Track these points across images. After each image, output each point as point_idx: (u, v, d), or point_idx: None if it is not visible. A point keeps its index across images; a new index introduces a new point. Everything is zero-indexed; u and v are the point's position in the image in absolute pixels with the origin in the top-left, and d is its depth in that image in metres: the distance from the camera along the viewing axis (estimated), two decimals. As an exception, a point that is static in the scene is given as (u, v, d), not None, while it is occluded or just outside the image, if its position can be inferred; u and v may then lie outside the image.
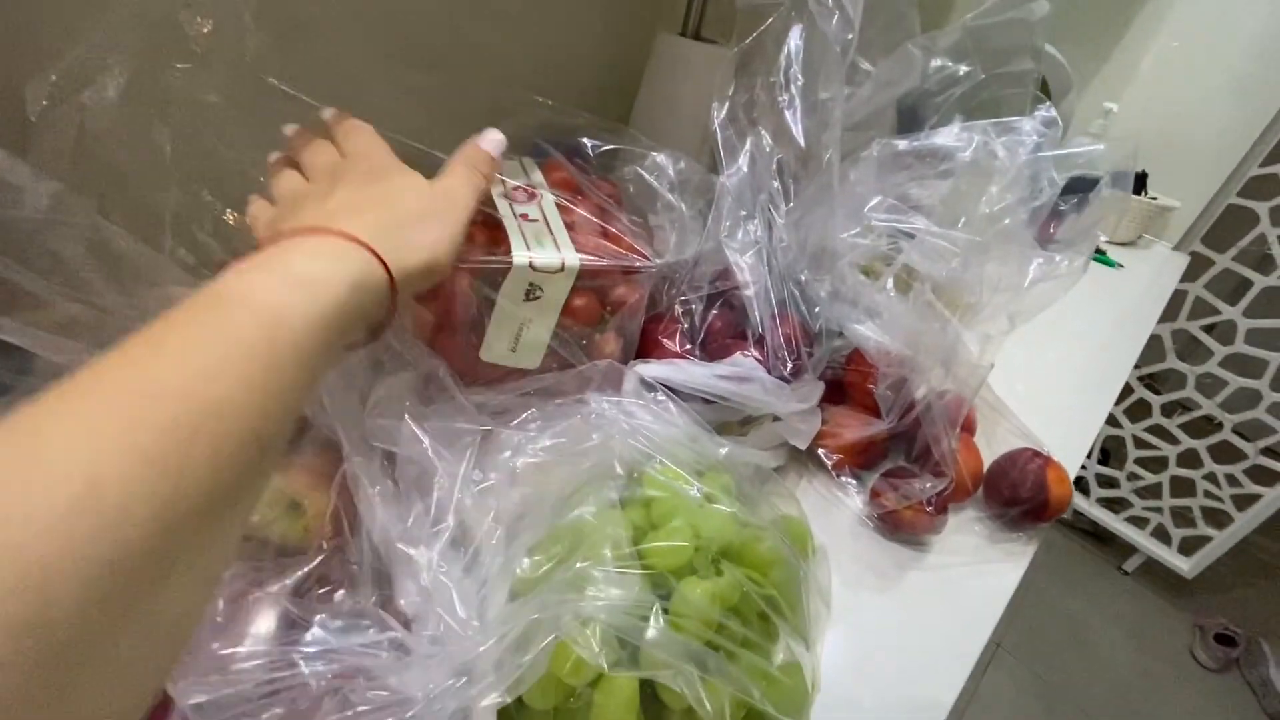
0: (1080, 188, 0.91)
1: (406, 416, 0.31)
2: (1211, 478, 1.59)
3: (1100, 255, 1.27)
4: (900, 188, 0.46)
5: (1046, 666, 1.54)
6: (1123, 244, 1.36)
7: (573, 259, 0.38)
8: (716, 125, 0.48)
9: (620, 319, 0.44)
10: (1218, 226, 1.44)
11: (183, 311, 0.21)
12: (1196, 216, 1.43)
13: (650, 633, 0.25)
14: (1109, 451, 1.78)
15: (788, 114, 0.44)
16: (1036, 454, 0.54)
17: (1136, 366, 1.65)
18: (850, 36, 0.41)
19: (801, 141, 0.44)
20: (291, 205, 0.31)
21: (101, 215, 0.31)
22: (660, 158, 0.46)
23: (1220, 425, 1.55)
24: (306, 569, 0.30)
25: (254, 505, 0.22)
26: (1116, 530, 1.77)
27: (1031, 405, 0.65)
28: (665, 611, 0.28)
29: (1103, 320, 1.05)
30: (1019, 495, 0.52)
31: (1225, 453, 1.55)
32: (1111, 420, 1.73)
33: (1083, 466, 1.79)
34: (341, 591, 0.30)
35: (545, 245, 0.38)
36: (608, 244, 0.42)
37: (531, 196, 0.41)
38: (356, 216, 0.27)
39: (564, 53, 0.74)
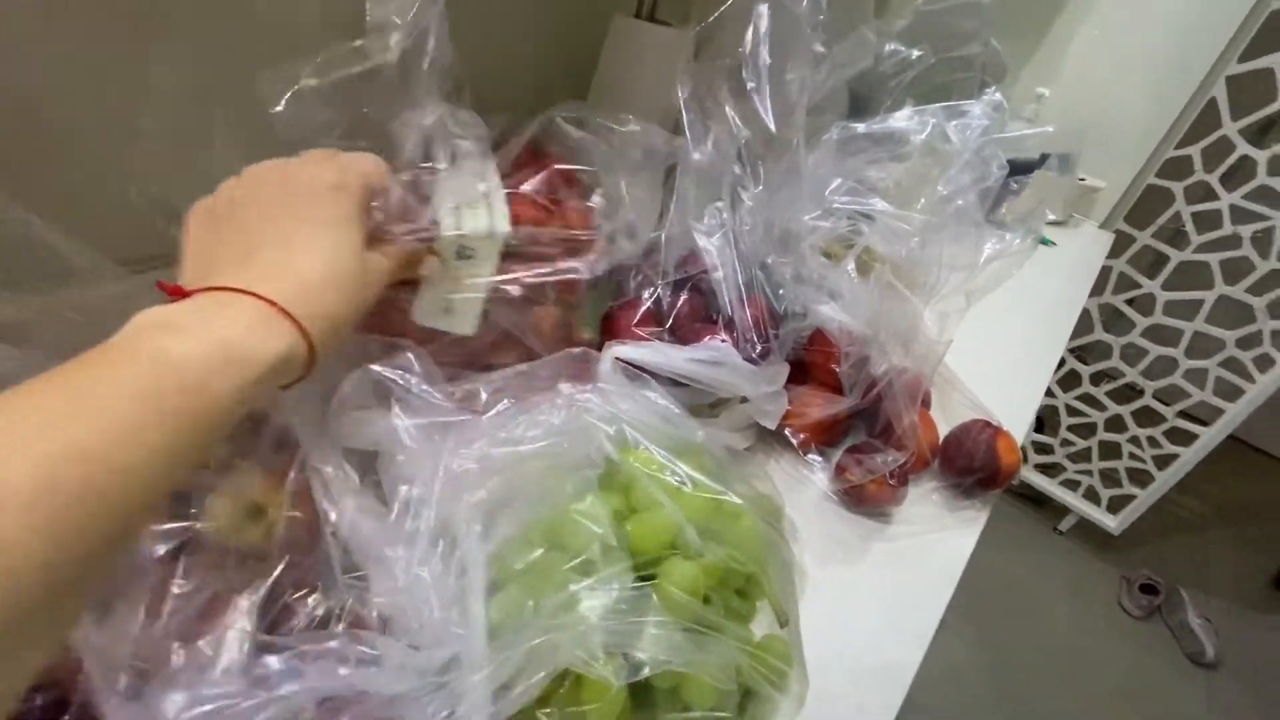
0: (1017, 169, 0.96)
1: (382, 409, 0.30)
2: (1135, 441, 1.71)
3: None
4: (858, 171, 0.47)
5: (987, 623, 1.64)
6: (1056, 223, 1.43)
7: (503, 226, 0.37)
8: (681, 106, 0.48)
9: (561, 292, 0.43)
10: (1138, 206, 1.54)
11: (103, 364, 0.21)
12: (1120, 196, 1.52)
13: (649, 634, 0.25)
14: (1043, 420, 1.89)
15: (755, 96, 0.44)
16: (987, 424, 0.57)
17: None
18: (820, 18, 0.42)
19: (770, 123, 0.44)
20: (214, 239, 0.29)
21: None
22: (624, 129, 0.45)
23: (1142, 392, 1.67)
24: (274, 577, 0.29)
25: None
26: (1051, 493, 1.89)
27: (978, 379, 0.69)
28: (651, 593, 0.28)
29: (1040, 296, 1.10)
30: (972, 465, 0.55)
31: (1147, 417, 1.67)
32: (1046, 391, 1.83)
33: (1020, 435, 1.90)
34: (316, 595, 0.29)
35: (477, 210, 0.37)
36: (549, 214, 0.41)
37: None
38: (285, 281, 0.26)
39: (515, 36, 0.73)
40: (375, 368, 0.32)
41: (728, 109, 0.45)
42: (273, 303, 0.25)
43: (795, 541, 0.47)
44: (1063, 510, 1.90)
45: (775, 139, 0.45)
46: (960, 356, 0.69)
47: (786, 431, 0.54)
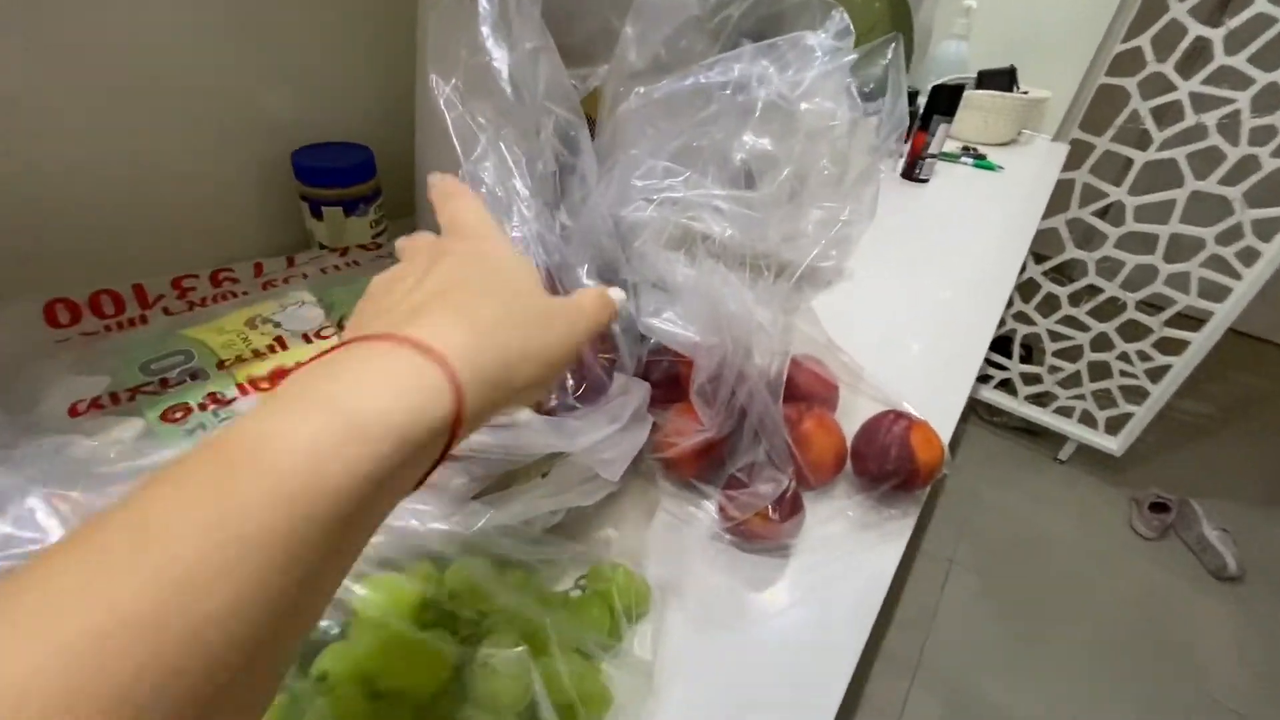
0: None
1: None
2: (1124, 357, 1.61)
3: (981, 160, 1.23)
4: (667, 145, 0.38)
5: (994, 565, 1.57)
6: (1001, 145, 1.32)
7: None
8: (443, 109, 0.39)
9: None
10: (1092, 110, 1.42)
11: (185, 475, 0.15)
12: (1070, 103, 1.41)
13: None
14: (1029, 349, 1.80)
15: (496, 77, 0.34)
16: (899, 416, 0.47)
17: (1039, 261, 1.65)
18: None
19: (509, 93, 0.34)
20: (381, 292, 0.24)
21: None
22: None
23: (1124, 305, 1.57)
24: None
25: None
26: (1046, 423, 1.80)
27: (924, 328, 0.65)
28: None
29: (992, 224, 1.01)
30: (885, 469, 0.46)
31: (1133, 331, 1.57)
32: (1026, 319, 1.74)
33: (1005, 368, 1.81)
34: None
35: None
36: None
37: None
38: (449, 311, 0.21)
39: (337, 95, 0.65)
40: None
41: (476, 102, 0.35)
42: (420, 344, 0.19)
43: (664, 604, 0.39)
44: (1060, 439, 1.82)
45: (538, 126, 0.35)
46: (900, 311, 0.64)
47: (658, 467, 0.45)
